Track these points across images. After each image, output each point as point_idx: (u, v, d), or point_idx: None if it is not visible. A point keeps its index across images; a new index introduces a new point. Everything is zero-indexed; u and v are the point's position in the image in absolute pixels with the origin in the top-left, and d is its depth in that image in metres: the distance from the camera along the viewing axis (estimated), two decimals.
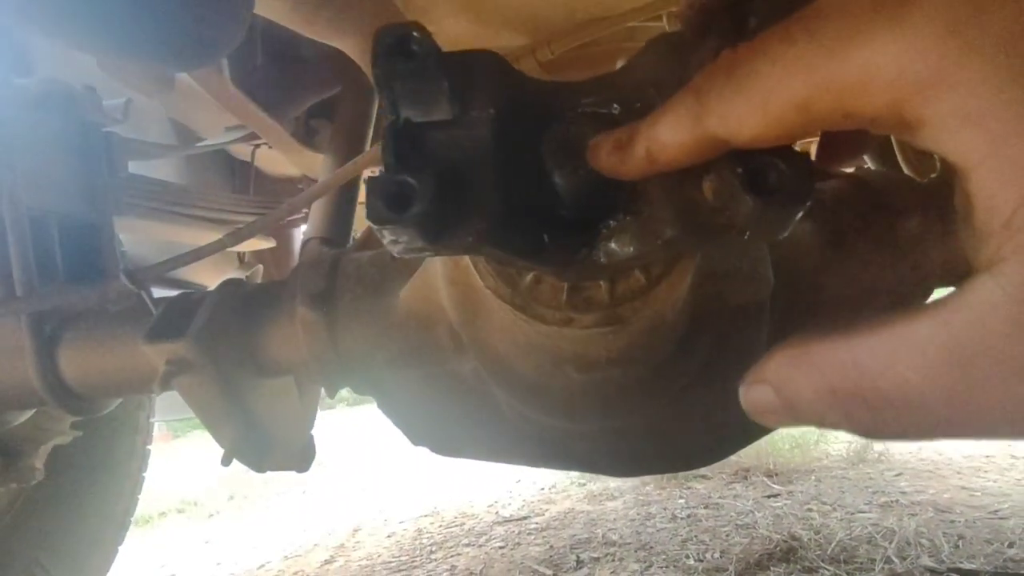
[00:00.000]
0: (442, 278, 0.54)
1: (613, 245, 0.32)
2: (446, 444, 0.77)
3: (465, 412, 0.73)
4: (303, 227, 2.00)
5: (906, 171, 1.11)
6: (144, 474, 1.70)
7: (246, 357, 0.74)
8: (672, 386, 0.57)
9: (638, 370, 0.49)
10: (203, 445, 6.18)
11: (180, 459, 6.11)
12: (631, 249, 0.31)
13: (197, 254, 0.77)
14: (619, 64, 0.35)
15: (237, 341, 0.73)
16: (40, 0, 0.55)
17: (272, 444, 0.83)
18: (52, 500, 1.46)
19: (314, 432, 0.90)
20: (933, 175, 1.10)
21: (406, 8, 1.24)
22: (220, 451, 0.77)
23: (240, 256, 1.90)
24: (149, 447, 1.73)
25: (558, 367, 0.46)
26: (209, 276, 1.82)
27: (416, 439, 0.77)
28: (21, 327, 0.75)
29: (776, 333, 0.64)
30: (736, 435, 0.71)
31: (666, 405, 0.60)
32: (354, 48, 1.01)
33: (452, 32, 1.57)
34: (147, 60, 0.64)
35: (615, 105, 0.33)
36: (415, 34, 0.28)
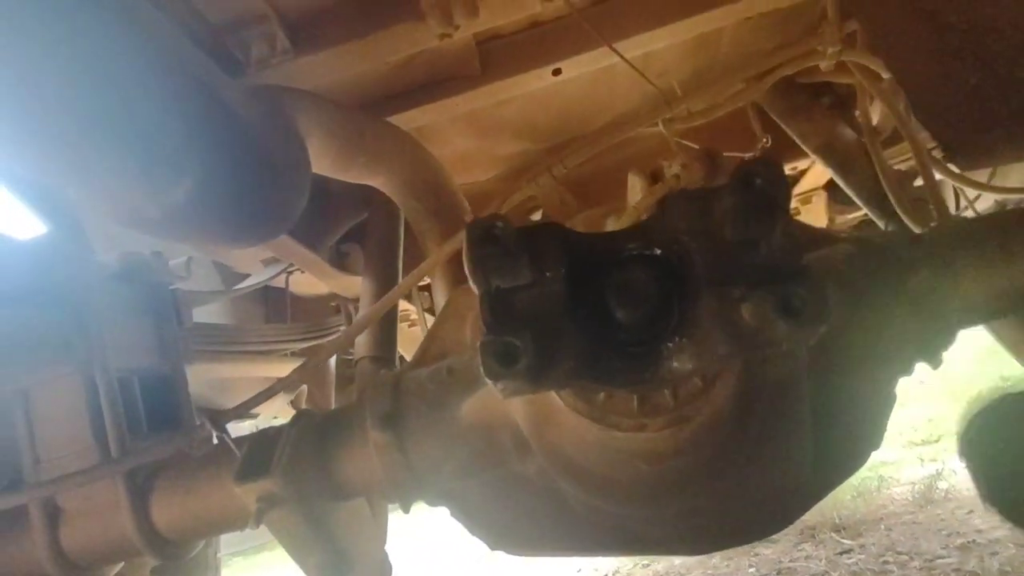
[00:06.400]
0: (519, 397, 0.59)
1: (675, 364, 0.38)
2: (522, 544, 0.80)
3: (535, 510, 0.76)
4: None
5: (906, 222, 1.17)
6: None
7: (325, 484, 0.79)
8: (733, 463, 0.61)
9: (702, 455, 0.53)
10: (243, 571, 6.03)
11: None
12: (691, 365, 0.38)
13: (272, 391, 0.83)
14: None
15: (317, 470, 0.78)
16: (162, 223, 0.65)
17: (352, 566, 0.87)
18: None
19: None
20: (932, 224, 1.16)
21: (423, 137, 1.37)
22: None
23: None
24: None
25: (629, 462, 0.51)
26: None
27: (493, 543, 0.80)
28: (116, 484, 0.81)
29: (817, 397, 0.68)
30: (799, 499, 0.74)
31: (730, 481, 0.64)
32: (384, 183, 1.12)
33: (461, 147, 1.71)
34: (241, 244, 0.74)
35: (657, 249, 0.40)
36: (499, 224, 0.36)
